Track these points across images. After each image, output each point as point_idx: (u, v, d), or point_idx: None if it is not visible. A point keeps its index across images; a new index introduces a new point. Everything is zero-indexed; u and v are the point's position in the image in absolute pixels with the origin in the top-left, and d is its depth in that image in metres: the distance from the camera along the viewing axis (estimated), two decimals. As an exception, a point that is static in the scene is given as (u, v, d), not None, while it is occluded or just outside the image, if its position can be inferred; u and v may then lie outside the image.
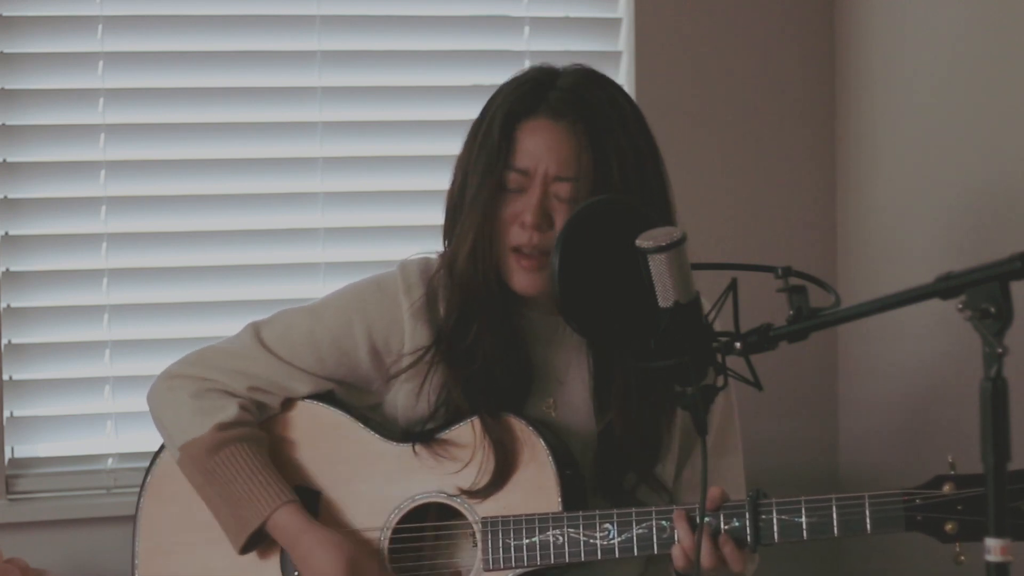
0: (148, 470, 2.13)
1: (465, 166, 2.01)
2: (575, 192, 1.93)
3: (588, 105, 1.95)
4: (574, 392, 2.04)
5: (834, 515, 1.79)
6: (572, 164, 1.93)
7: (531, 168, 1.94)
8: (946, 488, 1.74)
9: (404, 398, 2.05)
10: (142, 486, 2.13)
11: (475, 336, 1.99)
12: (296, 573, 2.03)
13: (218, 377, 2.05)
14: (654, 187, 1.98)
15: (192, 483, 2.03)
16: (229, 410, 2.02)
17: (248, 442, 2.02)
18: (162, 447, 2.13)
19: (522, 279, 1.97)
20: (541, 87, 1.98)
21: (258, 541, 2.02)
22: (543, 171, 1.94)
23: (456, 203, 2.02)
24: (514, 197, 1.96)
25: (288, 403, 2.09)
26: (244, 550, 2.01)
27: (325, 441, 2.06)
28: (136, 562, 2.12)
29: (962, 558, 1.72)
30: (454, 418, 2.01)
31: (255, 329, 2.09)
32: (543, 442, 1.96)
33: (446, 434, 2.01)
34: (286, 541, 2.00)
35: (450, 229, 2.03)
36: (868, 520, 1.77)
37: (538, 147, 1.95)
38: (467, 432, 2.00)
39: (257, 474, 1.99)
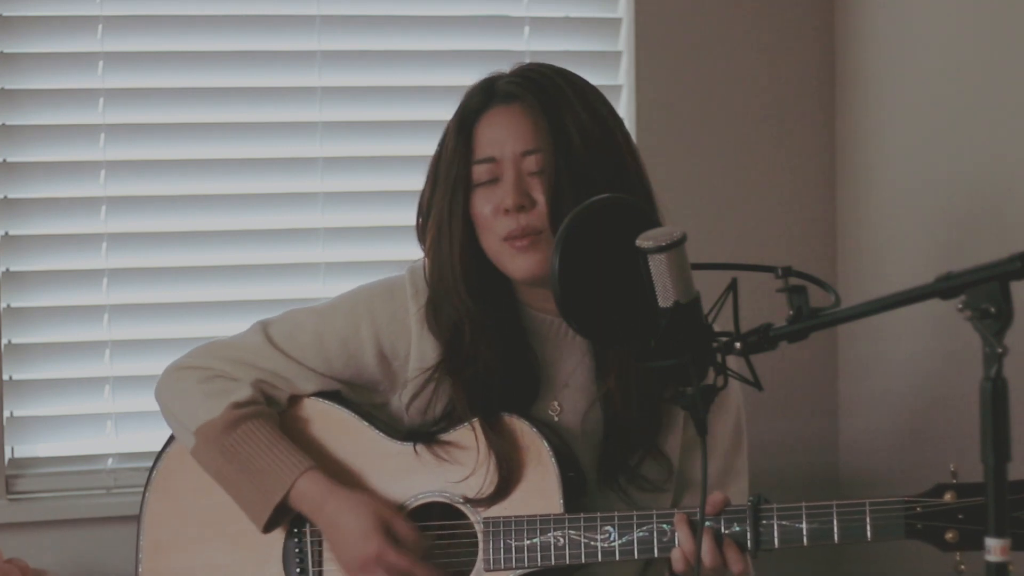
0: (154, 466, 2.13)
1: (432, 179, 2.01)
2: (543, 163, 1.92)
3: (536, 82, 1.96)
4: (579, 392, 2.03)
5: (835, 522, 1.79)
6: (534, 136, 1.93)
7: (497, 154, 1.95)
8: (947, 496, 1.73)
9: (412, 410, 2.05)
10: (147, 481, 2.13)
11: (471, 341, 1.98)
12: (298, 570, 2.03)
13: (225, 367, 2.05)
14: (623, 156, 1.96)
15: (209, 467, 2.03)
16: (242, 391, 2.02)
17: (263, 417, 2.02)
18: (168, 443, 2.13)
19: (519, 263, 1.94)
20: (489, 83, 2.00)
21: (281, 517, 2.01)
22: (510, 152, 1.94)
23: (424, 213, 2.03)
24: (488, 191, 1.95)
25: (294, 400, 2.09)
26: (268, 527, 2.00)
27: (330, 438, 2.06)
28: (140, 556, 2.12)
29: (963, 567, 1.71)
30: (457, 421, 2.01)
31: (263, 327, 2.09)
32: (547, 444, 1.95)
33: (449, 436, 2.01)
34: (311, 508, 1.99)
35: (423, 242, 2.03)
36: (869, 527, 1.77)
37: (498, 133, 1.95)
38: (469, 434, 1.99)
39: (275, 446, 1.99)
